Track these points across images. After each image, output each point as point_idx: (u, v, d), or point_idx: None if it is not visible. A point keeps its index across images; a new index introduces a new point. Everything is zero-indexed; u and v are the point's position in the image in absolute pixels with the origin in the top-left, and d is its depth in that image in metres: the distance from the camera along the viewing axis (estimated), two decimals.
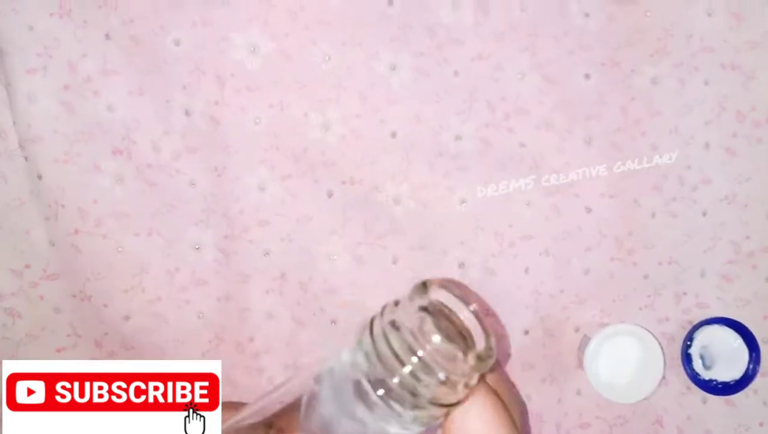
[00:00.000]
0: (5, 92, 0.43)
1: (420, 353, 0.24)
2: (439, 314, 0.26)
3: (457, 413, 0.25)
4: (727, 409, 0.46)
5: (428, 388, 0.24)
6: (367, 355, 0.25)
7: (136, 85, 0.43)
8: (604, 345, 0.44)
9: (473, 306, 0.26)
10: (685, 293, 0.46)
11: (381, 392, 0.24)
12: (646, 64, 0.44)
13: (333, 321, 0.45)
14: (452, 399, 0.25)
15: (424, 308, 0.26)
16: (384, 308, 0.26)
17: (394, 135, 0.44)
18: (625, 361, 0.44)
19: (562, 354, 0.46)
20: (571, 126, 0.44)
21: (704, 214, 0.45)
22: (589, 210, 0.45)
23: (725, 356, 0.45)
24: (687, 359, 0.45)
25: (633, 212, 0.45)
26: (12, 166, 0.44)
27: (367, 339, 0.25)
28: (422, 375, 0.24)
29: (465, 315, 0.26)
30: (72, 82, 0.43)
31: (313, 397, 0.26)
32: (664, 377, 0.45)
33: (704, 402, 0.46)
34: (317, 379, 0.27)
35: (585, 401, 0.46)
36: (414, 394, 0.24)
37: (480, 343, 0.25)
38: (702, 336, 0.45)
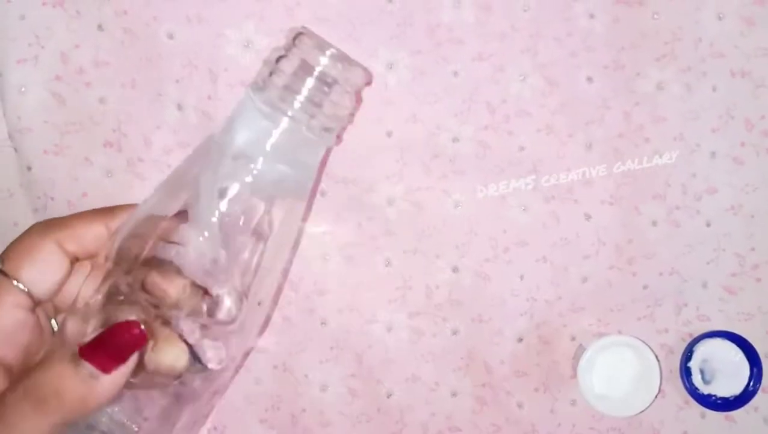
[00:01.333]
0: None
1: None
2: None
3: None
4: (727, 425, 0.45)
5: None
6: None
7: (128, 78, 0.42)
8: (600, 356, 0.43)
9: (333, 48, 0.33)
10: (686, 305, 0.45)
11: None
12: (651, 68, 0.42)
13: (323, 322, 0.44)
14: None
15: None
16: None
17: (389, 135, 0.43)
18: (620, 373, 0.43)
19: (557, 362, 0.45)
20: (572, 130, 0.43)
21: (708, 224, 0.44)
22: (588, 217, 0.44)
23: (726, 371, 0.44)
24: (686, 372, 0.44)
25: (634, 220, 0.43)
26: (1, 157, 0.43)
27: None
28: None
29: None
30: (64, 73, 0.42)
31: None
32: (661, 390, 0.43)
33: (703, 417, 0.45)
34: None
35: (579, 412, 0.45)
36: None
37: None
38: (702, 350, 0.44)
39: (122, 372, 0.29)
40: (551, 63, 0.43)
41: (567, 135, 0.43)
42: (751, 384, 0.43)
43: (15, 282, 0.32)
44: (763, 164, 0.43)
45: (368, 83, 0.36)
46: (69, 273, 0.34)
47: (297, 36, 0.33)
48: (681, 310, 0.45)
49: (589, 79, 0.43)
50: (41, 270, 0.33)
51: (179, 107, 0.43)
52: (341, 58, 0.33)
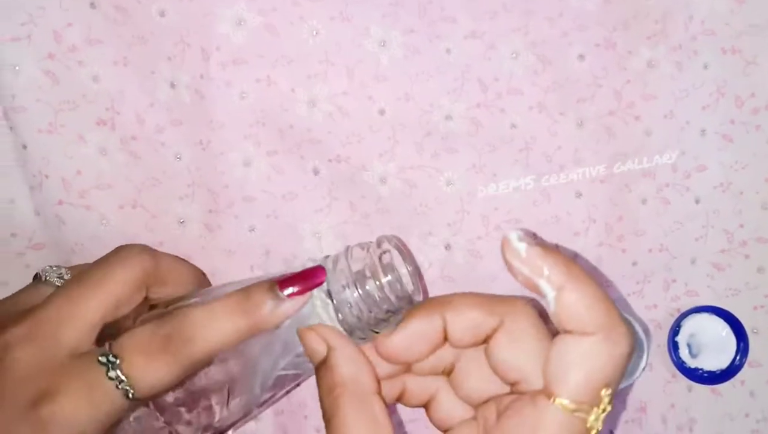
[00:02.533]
0: None
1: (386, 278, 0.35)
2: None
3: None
4: (713, 398, 0.46)
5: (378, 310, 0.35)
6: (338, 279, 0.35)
7: (121, 56, 0.42)
8: None
9: (412, 265, 0.36)
10: (674, 281, 0.45)
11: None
12: (642, 46, 0.42)
13: None
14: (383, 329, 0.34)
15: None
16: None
17: (382, 113, 0.43)
18: None
19: None
20: (564, 108, 0.43)
21: (697, 201, 0.44)
22: (579, 195, 0.44)
23: (713, 345, 0.44)
24: (674, 346, 0.44)
25: (624, 198, 0.44)
26: None
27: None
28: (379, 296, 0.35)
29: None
30: (57, 51, 0.42)
31: None
32: (649, 364, 0.44)
33: (689, 390, 0.46)
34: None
35: None
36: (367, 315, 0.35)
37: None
38: (690, 324, 0.44)
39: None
40: (543, 41, 0.43)
41: (559, 113, 0.43)
42: (738, 358, 0.44)
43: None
44: (753, 142, 0.43)
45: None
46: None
47: (383, 256, 0.36)
48: (670, 286, 0.45)
49: (581, 58, 0.43)
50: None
51: (172, 85, 0.43)
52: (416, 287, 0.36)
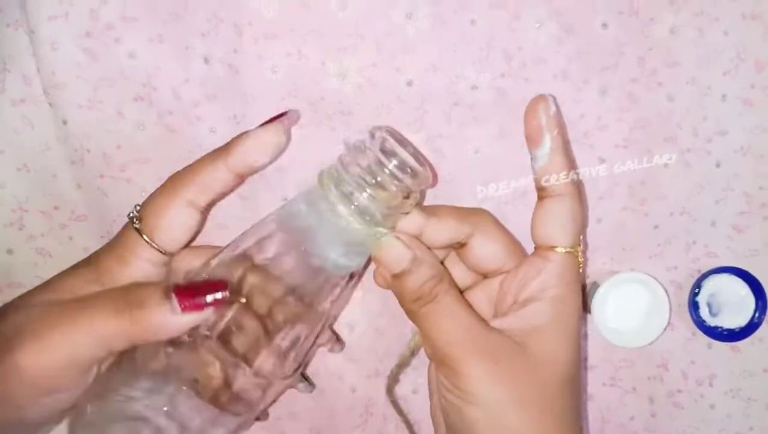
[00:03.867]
0: (28, 39, 0.44)
1: (392, 163, 0.36)
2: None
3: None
4: (732, 355, 0.48)
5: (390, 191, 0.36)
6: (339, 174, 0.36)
7: (156, 33, 0.44)
8: (612, 292, 0.45)
9: (411, 147, 0.37)
10: (694, 243, 0.47)
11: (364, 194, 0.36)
12: (665, 12, 0.43)
13: None
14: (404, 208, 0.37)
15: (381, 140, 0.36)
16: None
17: (410, 84, 0.44)
18: (632, 307, 0.46)
19: None
20: (587, 76, 0.44)
21: (718, 165, 0.45)
22: (602, 160, 0.45)
23: (732, 304, 0.46)
24: (694, 306, 0.46)
25: (646, 161, 0.45)
26: (37, 112, 0.45)
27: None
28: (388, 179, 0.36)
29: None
30: (93, 29, 0.43)
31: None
32: (670, 323, 0.46)
33: (709, 347, 0.48)
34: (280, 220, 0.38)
35: (592, 344, 0.48)
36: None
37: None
38: (710, 285, 0.46)
39: (193, 318, 0.35)
40: (566, 10, 0.43)
41: (582, 81, 0.44)
42: (756, 315, 0.45)
43: (147, 239, 0.37)
44: None
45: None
46: (201, 222, 0.39)
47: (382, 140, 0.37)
48: (690, 248, 0.47)
49: (604, 26, 0.44)
50: (173, 230, 0.38)
51: (206, 61, 0.44)
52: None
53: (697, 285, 0.46)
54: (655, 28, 0.43)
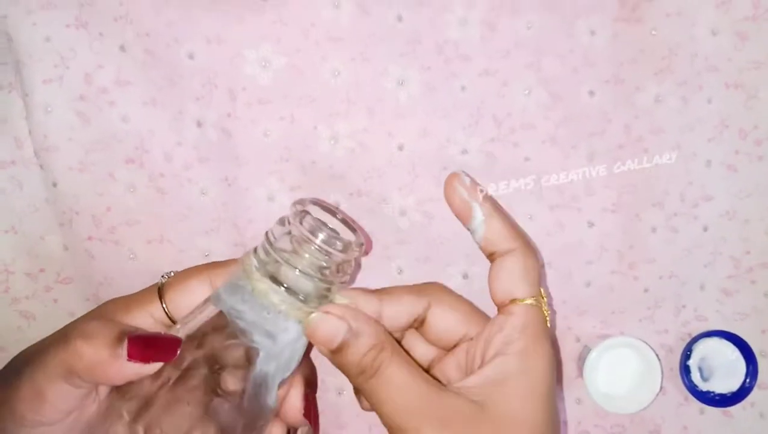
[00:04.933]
0: (22, 103, 0.44)
1: (319, 238, 0.34)
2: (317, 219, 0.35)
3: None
4: (725, 420, 0.47)
5: (323, 267, 0.35)
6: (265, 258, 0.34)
7: (150, 97, 0.44)
8: (604, 357, 0.45)
9: (340, 214, 0.36)
10: (684, 306, 0.47)
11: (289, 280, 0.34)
12: (650, 82, 0.44)
13: None
14: (339, 279, 0.36)
15: (304, 214, 0.35)
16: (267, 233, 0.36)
17: (401, 148, 0.45)
18: (623, 372, 0.45)
19: (562, 363, 0.47)
20: (575, 142, 0.45)
21: (705, 229, 0.46)
22: (591, 224, 0.46)
23: (723, 368, 0.46)
24: (685, 370, 0.46)
25: (634, 226, 0.46)
26: (28, 174, 0.45)
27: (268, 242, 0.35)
28: (319, 255, 0.34)
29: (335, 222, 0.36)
30: (88, 92, 0.44)
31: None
32: (662, 388, 0.46)
33: (701, 412, 0.47)
34: (215, 300, 0.35)
35: (584, 409, 0.47)
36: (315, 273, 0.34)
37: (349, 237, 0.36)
38: (700, 349, 0.46)
39: (137, 370, 0.33)
40: (554, 78, 0.45)
41: (570, 146, 0.45)
42: (748, 380, 0.45)
43: (163, 304, 0.37)
44: (756, 171, 0.45)
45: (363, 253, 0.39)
46: None
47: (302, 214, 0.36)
48: (680, 311, 0.47)
49: (591, 93, 0.45)
50: (188, 307, 0.37)
51: (199, 124, 0.44)
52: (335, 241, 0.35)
53: (688, 349, 0.46)
54: (641, 97, 0.45)
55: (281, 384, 0.36)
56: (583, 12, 0.44)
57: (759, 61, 0.44)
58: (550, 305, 0.42)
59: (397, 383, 0.34)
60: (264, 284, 0.34)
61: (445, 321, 0.39)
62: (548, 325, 0.37)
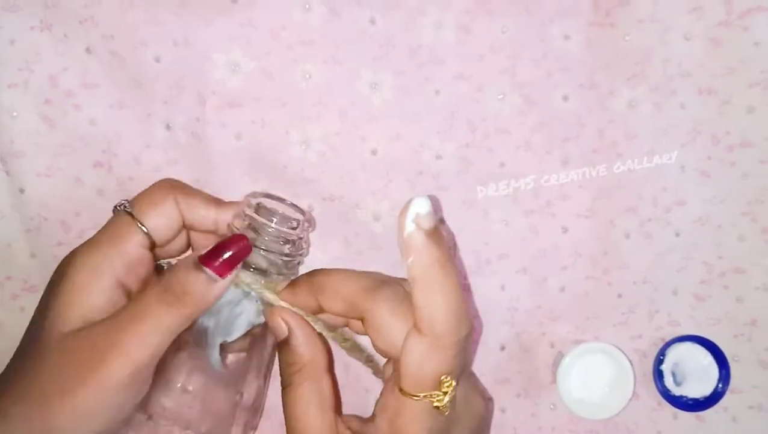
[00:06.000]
0: None
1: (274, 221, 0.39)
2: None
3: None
4: (698, 424, 0.47)
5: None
6: None
7: (116, 99, 0.43)
8: (577, 363, 0.45)
9: (288, 200, 0.40)
10: (657, 312, 0.47)
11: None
12: (623, 87, 0.44)
13: None
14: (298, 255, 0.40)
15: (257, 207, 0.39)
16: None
17: (374, 153, 0.44)
18: (597, 378, 0.45)
19: (537, 368, 0.47)
20: (549, 147, 0.45)
21: (677, 235, 0.46)
22: (565, 230, 0.45)
23: (696, 373, 0.46)
24: (659, 375, 0.46)
25: (608, 232, 0.46)
26: None
27: None
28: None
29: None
30: (53, 96, 0.43)
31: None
32: (635, 393, 0.46)
33: (675, 417, 0.47)
34: None
35: (559, 415, 0.47)
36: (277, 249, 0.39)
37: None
38: (673, 353, 0.46)
39: (231, 277, 0.36)
40: (529, 83, 0.44)
41: (545, 152, 0.45)
42: (720, 385, 0.45)
43: (140, 225, 0.38)
44: (729, 177, 0.45)
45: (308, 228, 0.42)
46: (179, 230, 0.40)
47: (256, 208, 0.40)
48: (653, 316, 0.47)
49: (565, 98, 0.44)
50: (161, 221, 0.38)
51: (168, 127, 0.44)
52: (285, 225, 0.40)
53: (661, 354, 0.46)
54: (614, 102, 0.44)
55: (224, 347, 0.40)
56: (557, 16, 0.44)
57: (731, 67, 0.44)
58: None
59: (300, 404, 0.37)
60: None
61: (373, 338, 0.37)
62: (438, 418, 0.35)
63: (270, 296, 0.38)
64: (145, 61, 0.42)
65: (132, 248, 0.37)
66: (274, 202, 0.40)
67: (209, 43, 0.42)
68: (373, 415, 0.37)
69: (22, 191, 0.43)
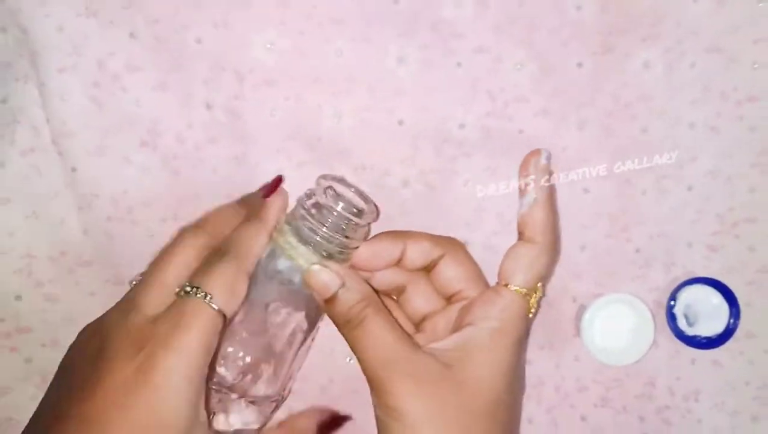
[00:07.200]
0: (37, 92, 0.46)
1: (340, 205, 0.42)
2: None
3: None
4: (715, 369, 0.50)
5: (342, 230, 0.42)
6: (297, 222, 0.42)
7: (159, 81, 0.46)
8: (599, 313, 0.48)
9: (354, 188, 0.44)
10: (674, 264, 0.49)
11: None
12: (638, 48, 0.47)
13: None
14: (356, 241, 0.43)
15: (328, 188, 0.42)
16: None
17: (401, 123, 0.47)
18: (618, 327, 0.48)
19: (560, 322, 0.50)
20: (565, 113, 0.47)
21: (690, 189, 0.48)
22: (586, 191, 0.48)
23: (707, 313, 0.48)
24: (671, 317, 0.48)
25: (626, 191, 0.48)
26: (46, 160, 0.47)
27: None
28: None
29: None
30: (101, 79, 0.46)
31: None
32: (654, 341, 0.48)
33: (693, 363, 0.50)
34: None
35: (582, 366, 0.50)
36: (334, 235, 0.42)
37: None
38: (684, 296, 0.48)
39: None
40: (544, 52, 0.47)
41: (561, 118, 0.47)
42: (732, 322, 0.48)
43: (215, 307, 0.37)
44: (737, 131, 0.47)
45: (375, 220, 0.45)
46: None
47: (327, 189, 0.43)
48: (670, 269, 0.49)
49: (580, 65, 0.47)
50: (237, 304, 0.39)
51: (208, 107, 0.46)
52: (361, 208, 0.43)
53: (673, 297, 0.48)
54: (630, 64, 0.47)
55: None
56: None
57: (736, 25, 0.46)
58: (539, 301, 0.44)
59: (377, 336, 0.39)
60: (295, 240, 0.42)
61: (451, 272, 0.44)
62: (529, 317, 0.42)
63: (314, 258, 0.41)
64: (186, 43, 0.45)
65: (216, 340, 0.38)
66: (342, 187, 0.43)
67: (246, 24, 0.45)
68: (467, 321, 0.41)
69: (74, 169, 0.46)
